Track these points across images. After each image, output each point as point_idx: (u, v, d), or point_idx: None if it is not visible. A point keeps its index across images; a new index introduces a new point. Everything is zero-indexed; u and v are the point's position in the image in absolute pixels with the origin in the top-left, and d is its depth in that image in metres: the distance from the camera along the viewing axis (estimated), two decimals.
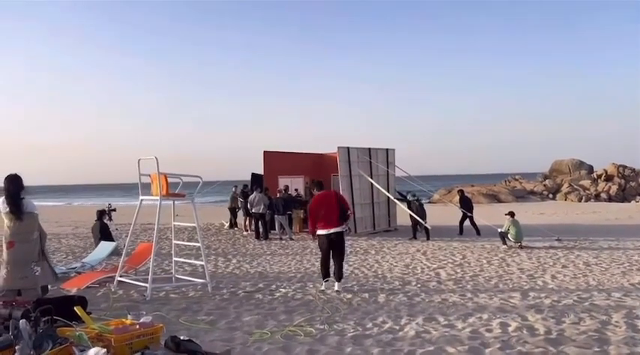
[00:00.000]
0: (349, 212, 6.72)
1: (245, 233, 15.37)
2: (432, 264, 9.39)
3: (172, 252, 7.91)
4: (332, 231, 6.56)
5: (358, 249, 11.83)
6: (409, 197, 14.37)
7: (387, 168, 16.08)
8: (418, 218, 13.22)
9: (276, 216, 13.97)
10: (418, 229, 13.63)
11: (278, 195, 14.19)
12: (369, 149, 15.78)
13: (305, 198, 16.47)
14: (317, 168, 17.35)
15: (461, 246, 12.08)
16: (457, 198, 16.59)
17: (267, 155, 16.16)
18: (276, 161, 16.33)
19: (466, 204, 14.67)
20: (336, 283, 6.85)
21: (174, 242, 7.91)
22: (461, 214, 14.60)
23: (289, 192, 15.61)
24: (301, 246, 12.43)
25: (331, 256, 6.88)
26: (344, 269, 7.43)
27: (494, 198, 36.50)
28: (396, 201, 15.06)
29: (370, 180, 15.15)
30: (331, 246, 6.69)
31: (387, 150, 16.39)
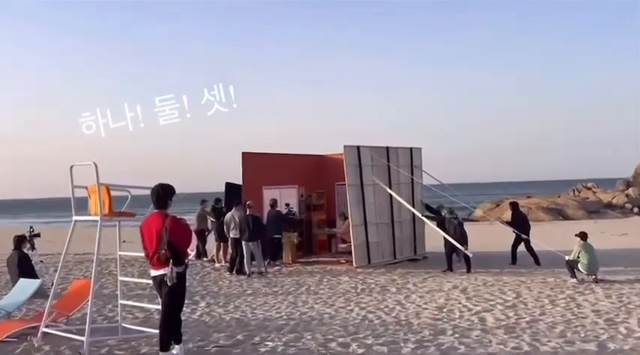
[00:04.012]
0: (162, 251, 6.20)
1: (217, 265, 15.46)
2: (474, 306, 9.44)
3: (118, 293, 7.94)
4: (156, 273, 6.41)
5: (373, 285, 11.80)
6: (444, 213, 14.31)
7: (412, 173, 15.94)
8: (455, 242, 13.19)
9: (243, 241, 13.81)
10: (455, 257, 13.62)
11: (247, 211, 14.16)
12: (387, 148, 15.69)
13: (299, 216, 16.55)
14: (316, 174, 17.32)
15: (514, 280, 12.11)
16: (508, 213, 16.51)
17: (248, 158, 16.03)
18: (260, 166, 16.19)
19: (521, 223, 14.59)
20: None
21: (120, 278, 7.95)
22: (514, 236, 14.52)
23: (278, 209, 15.58)
24: (294, 283, 12.35)
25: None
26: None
27: (559, 213, 36.70)
28: (424, 218, 14.98)
29: (389, 190, 15.02)
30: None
31: (410, 149, 16.28)
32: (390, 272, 13.70)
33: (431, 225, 14.62)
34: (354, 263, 14.49)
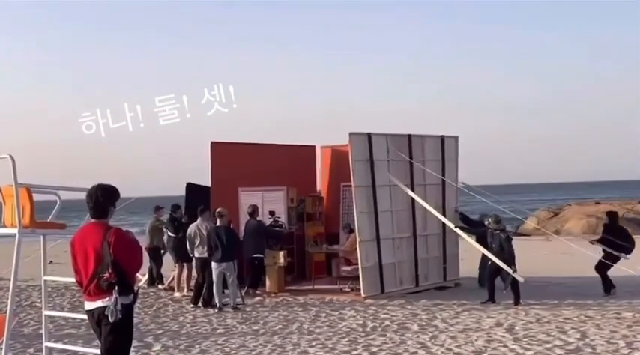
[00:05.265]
0: (105, 276, 6.12)
1: (177, 294, 15.44)
2: (524, 350, 9.52)
3: (43, 332, 7.99)
4: (93, 305, 6.32)
5: (388, 322, 11.87)
6: (487, 222, 14.16)
7: (444, 172, 15.93)
8: (501, 263, 13.07)
9: (213, 263, 13.72)
10: (500, 284, 13.56)
11: (217, 222, 14.08)
12: (409, 136, 15.58)
13: (288, 229, 16.70)
14: (311, 172, 17.66)
15: (578, 315, 12.14)
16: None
17: (218, 149, 16.06)
18: (235, 160, 16.22)
19: (621, 238, 14.46)
20: None
21: (45, 312, 8.01)
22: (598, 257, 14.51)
23: (258, 218, 15.50)
24: (281, 319, 12.40)
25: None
26: None
27: None
28: (458, 230, 14.78)
29: (411, 193, 14.93)
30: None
31: (442, 138, 16.25)
32: (411, 304, 13.75)
33: (468, 240, 14.46)
34: (362, 292, 14.44)
